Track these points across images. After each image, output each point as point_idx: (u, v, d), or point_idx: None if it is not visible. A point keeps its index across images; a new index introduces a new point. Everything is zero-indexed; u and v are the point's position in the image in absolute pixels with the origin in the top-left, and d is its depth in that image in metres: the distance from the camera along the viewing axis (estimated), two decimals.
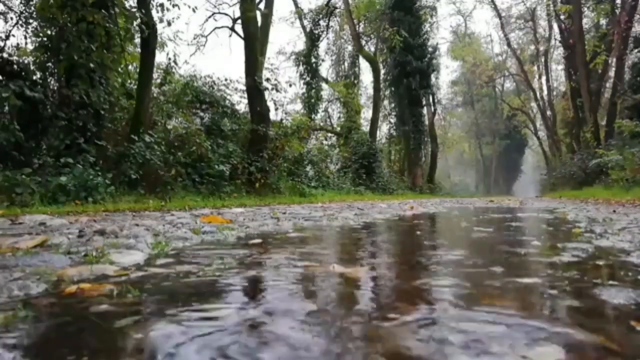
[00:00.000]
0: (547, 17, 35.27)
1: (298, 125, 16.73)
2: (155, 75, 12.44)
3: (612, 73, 23.89)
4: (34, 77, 8.29)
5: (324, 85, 29.09)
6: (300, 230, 3.34)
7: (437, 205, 9.46)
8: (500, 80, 49.97)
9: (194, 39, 23.20)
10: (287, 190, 13.45)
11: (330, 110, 30.55)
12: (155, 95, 12.34)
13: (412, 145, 27.95)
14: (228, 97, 15.05)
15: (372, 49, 28.89)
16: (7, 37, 8.48)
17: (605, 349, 0.82)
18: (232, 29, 21.32)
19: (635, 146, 14.14)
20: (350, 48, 30.64)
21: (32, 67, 8.48)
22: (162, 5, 10.22)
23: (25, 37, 8.87)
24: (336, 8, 28.02)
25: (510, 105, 45.49)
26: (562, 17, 26.38)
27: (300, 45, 30.35)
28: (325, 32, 28.56)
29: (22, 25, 8.80)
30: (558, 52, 35.93)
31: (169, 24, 10.77)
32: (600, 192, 14.45)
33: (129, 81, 11.48)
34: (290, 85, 17.54)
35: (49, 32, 8.49)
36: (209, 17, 22.66)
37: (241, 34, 15.35)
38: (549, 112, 37.53)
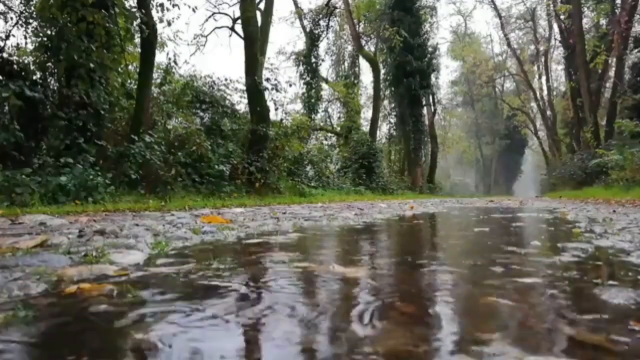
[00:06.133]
0: (547, 17, 35.34)
1: (298, 125, 16.73)
2: (155, 75, 12.44)
3: (612, 73, 23.90)
4: (34, 77, 8.28)
5: (324, 85, 29.11)
6: (300, 230, 3.34)
7: (437, 205, 9.46)
8: (500, 80, 50.01)
9: (194, 39, 23.29)
10: (287, 190, 13.45)
11: (330, 110, 30.60)
12: (155, 95, 12.34)
13: (412, 145, 27.95)
14: (228, 97, 15.06)
15: (372, 49, 28.89)
16: (7, 37, 8.46)
17: (605, 349, 0.82)
18: (232, 29, 21.36)
19: (635, 146, 14.13)
20: (350, 48, 30.67)
21: (32, 67, 8.47)
22: (162, 5, 10.22)
23: (25, 37, 8.85)
24: (336, 8, 28.03)
25: (510, 105, 45.51)
26: (562, 17, 26.39)
27: (300, 45, 30.40)
28: (325, 32, 28.60)
29: (22, 25, 8.79)
30: (558, 52, 35.98)
31: (169, 24, 10.77)
32: (600, 192, 14.45)
33: (129, 81, 11.47)
34: (290, 85, 17.56)
35: (49, 32, 8.47)
36: (209, 17, 22.75)
37: (241, 34, 15.37)
38: (549, 112, 37.55)
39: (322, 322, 1.00)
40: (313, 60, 27.05)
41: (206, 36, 23.51)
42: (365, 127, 28.52)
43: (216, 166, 10.82)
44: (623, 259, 1.87)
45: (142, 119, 9.84)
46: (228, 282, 1.41)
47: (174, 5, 10.50)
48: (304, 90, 26.62)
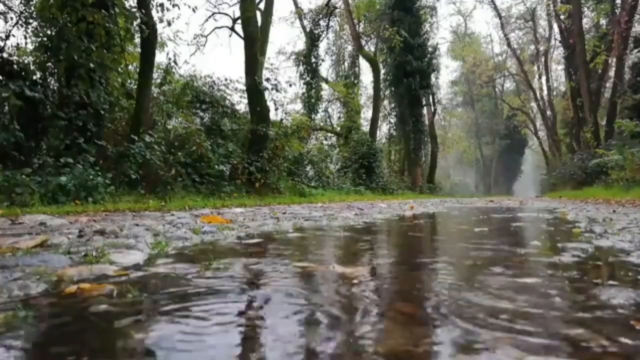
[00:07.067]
0: (547, 17, 35.34)
1: (298, 125, 16.72)
2: (155, 75, 12.44)
3: (612, 73, 23.90)
4: (34, 77, 8.27)
5: (324, 85, 29.11)
6: (300, 230, 3.34)
7: (437, 205, 9.46)
8: (500, 80, 50.02)
9: (194, 39, 23.29)
10: (287, 190, 13.45)
11: (330, 110, 30.60)
12: (155, 95, 12.34)
13: (412, 145, 27.96)
14: (228, 97, 15.06)
15: (372, 49, 28.89)
16: (7, 37, 8.46)
17: (605, 349, 0.82)
18: (232, 29, 21.35)
19: (635, 146, 14.14)
20: (350, 48, 30.67)
21: (32, 67, 8.46)
22: (162, 5, 10.22)
23: (25, 37, 8.84)
24: (336, 8, 28.04)
25: (510, 105, 45.51)
26: (562, 17, 26.40)
27: (300, 45, 30.40)
28: (325, 32, 28.60)
29: (22, 25, 8.78)
30: (558, 52, 35.98)
31: (169, 24, 10.77)
32: (600, 192, 14.45)
33: (129, 81, 11.48)
34: (290, 85, 17.56)
35: (49, 32, 8.47)
36: (209, 17, 22.75)
37: (241, 34, 15.37)
38: (549, 112, 37.56)
39: (322, 322, 1.00)
40: (313, 60, 27.05)
41: (206, 36, 23.52)
42: (365, 127, 28.52)
43: (216, 166, 10.82)
44: (623, 259, 1.87)
45: (142, 119, 9.84)
46: (228, 282, 1.41)
47: (174, 5, 10.51)
48: (304, 90, 26.63)
